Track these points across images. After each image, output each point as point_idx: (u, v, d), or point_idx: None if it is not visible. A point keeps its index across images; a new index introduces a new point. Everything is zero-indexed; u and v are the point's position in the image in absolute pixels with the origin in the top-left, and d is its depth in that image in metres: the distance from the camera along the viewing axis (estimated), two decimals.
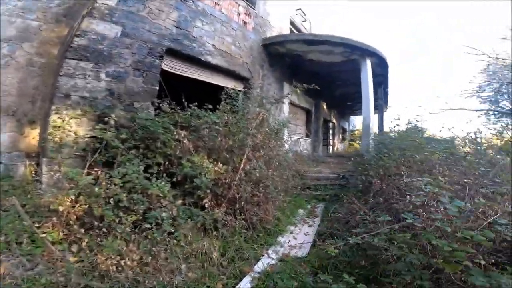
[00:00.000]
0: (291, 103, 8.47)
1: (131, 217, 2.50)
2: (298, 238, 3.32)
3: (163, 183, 2.85)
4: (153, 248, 2.43)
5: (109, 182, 2.62)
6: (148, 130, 3.24)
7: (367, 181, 4.17)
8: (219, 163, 3.30)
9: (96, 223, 2.43)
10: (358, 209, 3.38)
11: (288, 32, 8.48)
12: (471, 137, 5.62)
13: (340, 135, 17.33)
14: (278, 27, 7.80)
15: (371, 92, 7.18)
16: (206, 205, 3.08)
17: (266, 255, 2.81)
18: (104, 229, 2.39)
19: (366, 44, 6.52)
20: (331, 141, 14.28)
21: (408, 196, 2.34)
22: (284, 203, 3.97)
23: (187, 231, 2.81)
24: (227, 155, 3.51)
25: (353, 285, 1.44)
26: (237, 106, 4.55)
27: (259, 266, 2.55)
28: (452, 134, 5.76)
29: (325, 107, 11.96)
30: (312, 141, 10.42)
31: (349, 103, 13.77)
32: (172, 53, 4.55)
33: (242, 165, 3.44)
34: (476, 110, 13.91)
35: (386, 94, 10.64)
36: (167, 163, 3.17)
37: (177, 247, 2.62)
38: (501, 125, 13.33)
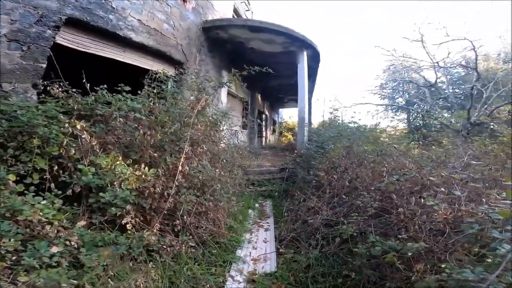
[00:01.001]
0: (229, 94, 7.89)
1: None
2: (258, 248, 2.85)
3: (44, 201, 1.88)
4: None
5: None
6: (21, 122, 2.11)
7: (316, 175, 4.04)
8: (143, 166, 2.43)
9: None
10: (317, 208, 3.17)
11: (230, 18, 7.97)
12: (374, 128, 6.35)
13: (272, 127, 17.87)
14: (221, 11, 7.24)
15: (306, 85, 7.36)
16: (129, 225, 2.22)
17: (230, 278, 2.22)
18: None
19: (305, 36, 6.61)
20: (264, 133, 14.46)
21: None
22: (234, 207, 3.41)
23: (109, 263, 1.93)
24: (155, 154, 2.64)
25: None
26: (167, 91, 3.65)
27: None
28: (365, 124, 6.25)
29: (259, 98, 11.88)
30: (249, 133, 10.15)
31: (280, 95, 14.17)
32: (76, 24, 3.51)
33: (180, 167, 2.66)
34: (378, 105, 16.70)
35: (313, 87, 11.36)
36: (56, 168, 2.13)
37: None
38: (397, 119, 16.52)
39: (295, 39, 6.49)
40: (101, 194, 2.09)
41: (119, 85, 2.93)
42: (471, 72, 11.52)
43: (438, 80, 12.72)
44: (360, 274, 1.88)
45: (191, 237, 2.49)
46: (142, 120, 2.74)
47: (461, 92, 12.96)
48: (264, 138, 14.55)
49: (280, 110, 22.21)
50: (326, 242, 2.60)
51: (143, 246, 2.24)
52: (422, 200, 1.81)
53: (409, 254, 1.49)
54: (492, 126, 9.95)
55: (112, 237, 2.11)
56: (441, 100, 13.51)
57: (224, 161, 3.69)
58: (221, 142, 4.62)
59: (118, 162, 2.26)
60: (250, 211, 4.08)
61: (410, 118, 16.40)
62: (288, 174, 5.69)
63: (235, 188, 3.80)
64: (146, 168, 2.42)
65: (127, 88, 2.90)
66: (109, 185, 2.15)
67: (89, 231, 2.08)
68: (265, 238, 3.09)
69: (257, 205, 4.53)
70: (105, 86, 2.88)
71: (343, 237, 2.33)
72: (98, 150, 2.29)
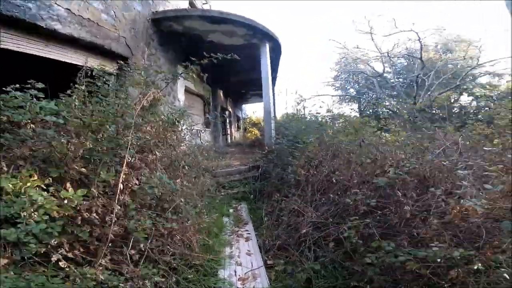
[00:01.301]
0: (187, 91, 7.22)
1: None
2: (243, 263, 2.43)
3: None
4: None
5: None
6: None
7: (293, 171, 3.76)
8: (68, 185, 1.77)
9: None
10: (300, 209, 2.88)
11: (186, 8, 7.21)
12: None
13: (236, 124, 17.42)
14: (175, 3, 6.56)
15: (270, 78, 7.10)
16: (62, 263, 1.63)
17: None
18: None
19: (267, 28, 6.29)
20: (229, 130, 13.96)
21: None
22: (206, 220, 2.92)
23: None
24: (83, 169, 1.94)
25: None
26: (106, 89, 2.92)
27: None
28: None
29: (221, 95, 11.32)
30: (212, 131, 9.57)
31: (243, 91, 13.78)
32: None
33: (120, 183, 1.99)
34: (333, 96, 17.50)
35: (275, 80, 11.18)
36: None
37: None
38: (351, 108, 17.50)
39: (257, 30, 6.14)
40: (3, 231, 1.45)
41: (28, 81, 2.18)
42: (412, 62, 12.61)
43: (385, 70, 13.66)
44: (371, 283, 1.62)
45: (153, 268, 1.96)
46: (65, 125, 2.08)
47: (405, 81, 14.15)
48: (229, 135, 14.05)
49: (244, 106, 21.81)
50: (318, 247, 2.33)
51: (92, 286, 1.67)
52: (454, 198, 1.60)
53: (439, 260, 1.26)
54: (434, 111, 10.97)
55: (42, 280, 1.49)
56: (387, 89, 14.60)
57: (187, 167, 3.15)
58: (181, 144, 4.05)
59: (29, 184, 1.60)
60: (225, 219, 3.63)
61: (361, 107, 17.53)
62: (260, 172, 5.36)
63: (204, 197, 3.31)
64: (71, 189, 1.77)
65: (40, 85, 2.17)
66: (20, 218, 1.51)
67: (11, 273, 1.45)
68: (248, 250, 2.69)
69: (231, 210, 4.10)
70: (17, 85, 2.13)
71: (342, 242, 2.06)
72: (5, 168, 1.61)
